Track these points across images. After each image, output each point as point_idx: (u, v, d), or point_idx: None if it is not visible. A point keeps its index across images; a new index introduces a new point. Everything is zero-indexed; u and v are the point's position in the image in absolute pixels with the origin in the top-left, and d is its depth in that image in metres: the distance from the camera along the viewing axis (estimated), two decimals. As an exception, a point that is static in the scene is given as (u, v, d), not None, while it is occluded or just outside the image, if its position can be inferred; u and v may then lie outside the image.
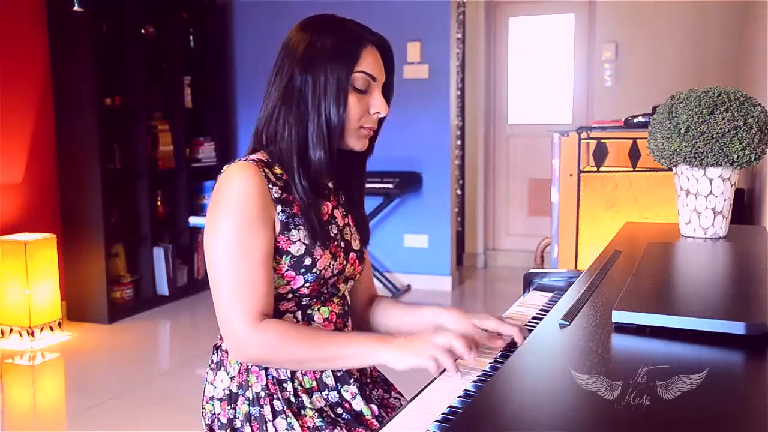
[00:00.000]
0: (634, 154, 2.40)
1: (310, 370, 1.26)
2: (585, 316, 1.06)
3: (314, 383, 1.26)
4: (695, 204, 1.53)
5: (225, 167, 1.24)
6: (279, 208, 1.22)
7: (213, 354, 1.33)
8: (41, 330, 3.74)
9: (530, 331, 1.24)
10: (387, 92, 1.31)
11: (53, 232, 3.92)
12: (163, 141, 4.56)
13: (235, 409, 1.26)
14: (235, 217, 1.18)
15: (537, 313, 1.43)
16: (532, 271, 1.67)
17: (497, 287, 5.31)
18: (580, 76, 5.44)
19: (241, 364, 1.26)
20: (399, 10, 4.69)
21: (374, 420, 1.26)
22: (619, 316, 0.97)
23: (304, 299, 1.27)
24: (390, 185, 4.55)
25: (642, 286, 1.13)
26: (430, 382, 1.10)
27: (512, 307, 1.50)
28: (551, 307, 1.32)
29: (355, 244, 1.36)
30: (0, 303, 3.70)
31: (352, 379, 1.29)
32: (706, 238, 1.54)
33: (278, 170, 1.25)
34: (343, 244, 1.32)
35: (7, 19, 3.80)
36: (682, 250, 1.50)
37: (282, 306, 1.26)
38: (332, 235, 1.30)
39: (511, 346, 1.23)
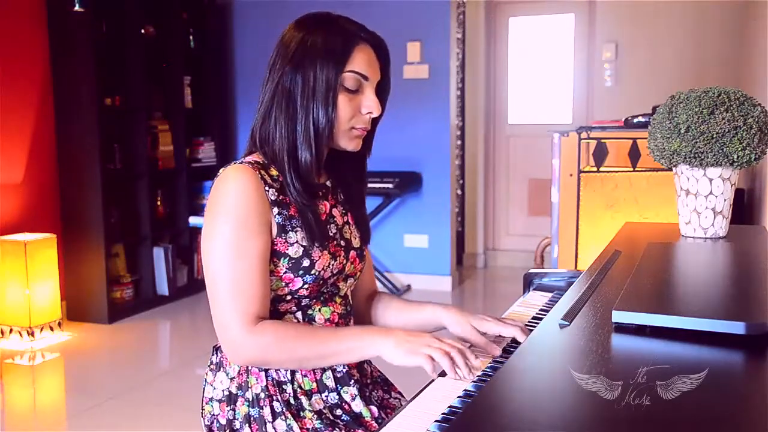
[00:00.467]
0: (634, 154, 2.39)
1: (310, 371, 1.25)
2: (585, 316, 1.06)
3: (314, 385, 1.26)
4: (695, 204, 1.53)
5: (221, 170, 1.23)
6: (275, 210, 1.21)
7: (213, 355, 1.32)
8: (41, 330, 3.74)
9: (530, 331, 1.24)
10: (382, 92, 1.29)
11: (53, 232, 3.92)
12: (163, 141, 4.56)
13: (234, 410, 1.26)
14: (232, 220, 1.17)
15: (537, 313, 1.43)
16: (532, 271, 1.67)
17: (497, 287, 5.31)
18: (580, 76, 5.44)
19: (240, 365, 1.25)
20: (399, 10, 4.69)
21: (373, 422, 1.26)
22: (619, 316, 0.97)
23: (303, 300, 1.27)
24: (390, 185, 4.55)
25: (642, 286, 1.13)
26: (430, 382, 1.10)
27: (512, 307, 1.50)
28: (551, 307, 1.31)
29: (355, 242, 1.35)
30: (0, 303, 3.70)
31: (352, 381, 1.28)
32: (706, 238, 1.54)
33: (274, 172, 1.24)
34: (342, 243, 1.31)
35: (7, 19, 3.80)
36: (682, 250, 1.50)
37: (282, 307, 1.26)
38: (331, 234, 1.29)
39: (513, 344, 1.23)
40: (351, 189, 1.38)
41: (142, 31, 4.37)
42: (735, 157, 1.43)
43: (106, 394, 3.08)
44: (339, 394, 1.27)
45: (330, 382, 1.27)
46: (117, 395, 3.06)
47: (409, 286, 4.89)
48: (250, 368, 1.25)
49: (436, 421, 0.95)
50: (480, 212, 5.70)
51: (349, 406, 1.27)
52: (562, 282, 1.61)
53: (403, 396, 1.39)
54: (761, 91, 2.97)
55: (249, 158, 1.25)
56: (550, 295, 1.58)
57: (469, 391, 1.04)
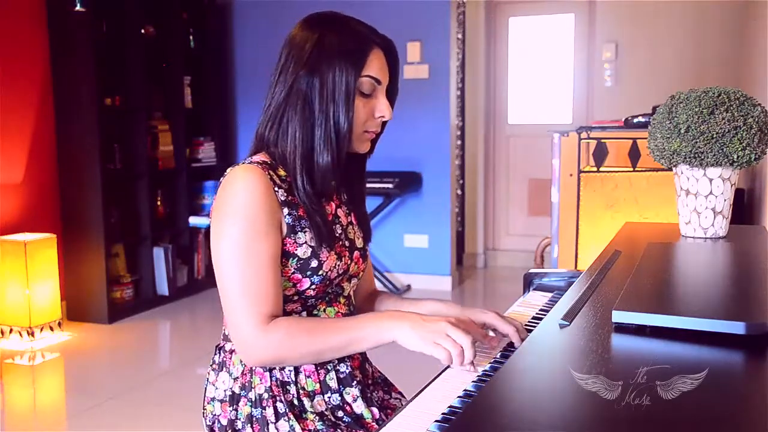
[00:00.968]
0: (634, 154, 2.40)
1: (314, 371, 1.25)
2: (585, 316, 1.06)
3: (317, 386, 1.25)
4: (695, 204, 1.53)
5: (229, 170, 1.22)
6: (285, 210, 1.21)
7: (215, 354, 1.32)
8: (41, 330, 3.74)
9: (530, 331, 1.24)
10: (391, 95, 1.30)
11: (53, 232, 3.92)
12: (163, 141, 4.56)
13: (236, 410, 1.25)
14: (242, 222, 1.16)
15: (537, 313, 1.43)
16: (532, 271, 1.67)
17: (497, 287, 5.31)
18: (580, 76, 5.44)
19: (244, 365, 1.25)
20: (399, 10, 4.69)
21: (374, 423, 1.26)
22: (619, 316, 0.97)
23: (309, 300, 1.27)
24: (390, 185, 4.55)
25: (642, 286, 1.13)
26: (430, 383, 1.10)
27: (512, 307, 1.50)
28: (551, 307, 1.32)
29: (359, 243, 1.36)
30: (0, 303, 3.70)
31: (355, 382, 1.28)
32: (706, 238, 1.54)
33: (282, 172, 1.24)
34: (347, 243, 1.31)
35: (7, 19, 3.80)
36: (682, 250, 1.50)
37: (287, 307, 1.25)
38: (337, 234, 1.29)
39: (511, 346, 1.23)
40: (353, 188, 1.38)
41: (142, 31, 4.37)
42: (735, 157, 1.43)
43: (106, 394, 3.08)
44: (341, 395, 1.27)
45: (333, 383, 1.26)
46: (117, 395, 3.06)
47: (409, 286, 4.89)
48: (254, 368, 1.24)
49: (436, 421, 0.95)
50: (480, 212, 5.70)
51: (351, 407, 1.27)
52: (562, 282, 1.61)
53: (403, 396, 1.39)
54: (761, 91, 2.97)
55: (256, 158, 1.24)
56: (550, 295, 1.58)
57: (469, 391, 1.04)
